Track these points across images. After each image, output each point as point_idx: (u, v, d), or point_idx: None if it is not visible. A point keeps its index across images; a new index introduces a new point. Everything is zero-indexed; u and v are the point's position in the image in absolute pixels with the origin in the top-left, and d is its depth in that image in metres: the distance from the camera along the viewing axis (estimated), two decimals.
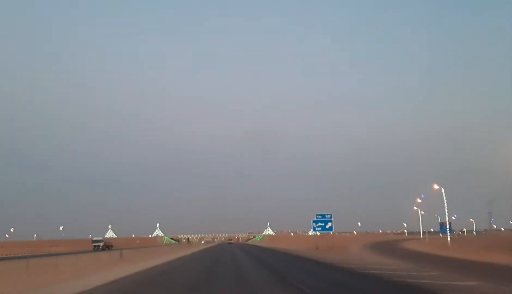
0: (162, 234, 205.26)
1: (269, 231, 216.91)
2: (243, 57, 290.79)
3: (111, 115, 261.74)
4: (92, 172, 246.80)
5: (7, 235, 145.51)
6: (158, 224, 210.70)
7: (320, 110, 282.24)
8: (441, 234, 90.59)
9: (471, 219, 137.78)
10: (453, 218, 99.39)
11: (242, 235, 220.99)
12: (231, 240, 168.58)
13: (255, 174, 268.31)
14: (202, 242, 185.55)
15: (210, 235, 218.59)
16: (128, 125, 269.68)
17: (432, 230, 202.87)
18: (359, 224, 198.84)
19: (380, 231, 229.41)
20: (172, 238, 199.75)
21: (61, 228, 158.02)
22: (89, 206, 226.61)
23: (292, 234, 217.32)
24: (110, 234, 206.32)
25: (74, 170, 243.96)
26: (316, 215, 57.66)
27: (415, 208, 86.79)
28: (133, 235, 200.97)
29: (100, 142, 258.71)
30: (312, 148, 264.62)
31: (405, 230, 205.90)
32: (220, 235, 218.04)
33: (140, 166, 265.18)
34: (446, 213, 51.70)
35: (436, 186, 50.72)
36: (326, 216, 57.80)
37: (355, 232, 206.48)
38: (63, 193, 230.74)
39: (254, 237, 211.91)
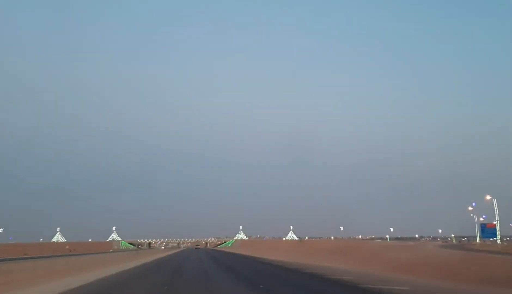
0: (119, 239, 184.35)
1: (241, 236, 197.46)
2: None
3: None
4: (43, 171, 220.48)
5: None
6: (114, 228, 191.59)
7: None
8: (479, 239, 72.19)
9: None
10: (481, 219, 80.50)
11: (211, 240, 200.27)
12: (198, 245, 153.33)
13: (226, 177, 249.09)
14: (162, 247, 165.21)
15: (175, 239, 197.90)
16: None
17: (430, 236, 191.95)
18: (341, 228, 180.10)
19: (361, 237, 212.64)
20: (130, 243, 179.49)
21: (1, 230, 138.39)
22: (36, 209, 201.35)
23: (264, 239, 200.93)
24: (58, 238, 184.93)
25: (20, 171, 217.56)
26: None
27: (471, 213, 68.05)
28: (90, 240, 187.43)
29: (56, 138, 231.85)
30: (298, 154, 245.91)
31: (387, 236, 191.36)
32: (187, 239, 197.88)
33: (100, 164, 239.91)
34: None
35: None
36: None
37: (332, 237, 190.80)
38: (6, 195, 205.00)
39: (224, 242, 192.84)
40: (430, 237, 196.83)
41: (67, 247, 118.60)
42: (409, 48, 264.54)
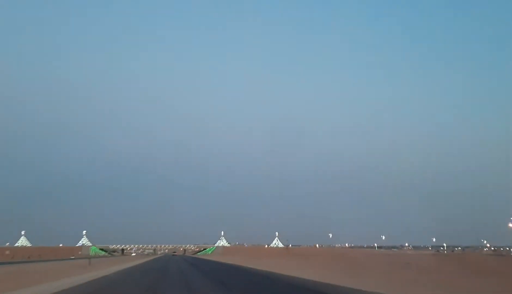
0: (90, 244, 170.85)
1: (223, 242, 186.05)
2: None
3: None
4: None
5: None
6: (84, 232, 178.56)
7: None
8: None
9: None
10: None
11: (189, 246, 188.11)
12: (175, 252, 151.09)
13: (207, 182, 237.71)
14: (133, 254, 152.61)
15: (151, 246, 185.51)
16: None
17: (409, 245, 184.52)
18: (330, 235, 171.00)
19: (346, 245, 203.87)
20: (102, 249, 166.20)
21: None
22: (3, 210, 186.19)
23: (245, 245, 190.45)
24: (22, 242, 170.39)
25: None
26: None
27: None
28: (61, 245, 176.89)
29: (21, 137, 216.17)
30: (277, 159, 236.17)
31: (374, 244, 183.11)
32: (164, 245, 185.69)
33: (69, 164, 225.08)
34: None
35: None
36: None
37: (317, 245, 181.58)
38: None
39: (204, 249, 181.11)
40: (410, 246, 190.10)
41: (7, 252, 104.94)
42: (400, 48, 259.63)
